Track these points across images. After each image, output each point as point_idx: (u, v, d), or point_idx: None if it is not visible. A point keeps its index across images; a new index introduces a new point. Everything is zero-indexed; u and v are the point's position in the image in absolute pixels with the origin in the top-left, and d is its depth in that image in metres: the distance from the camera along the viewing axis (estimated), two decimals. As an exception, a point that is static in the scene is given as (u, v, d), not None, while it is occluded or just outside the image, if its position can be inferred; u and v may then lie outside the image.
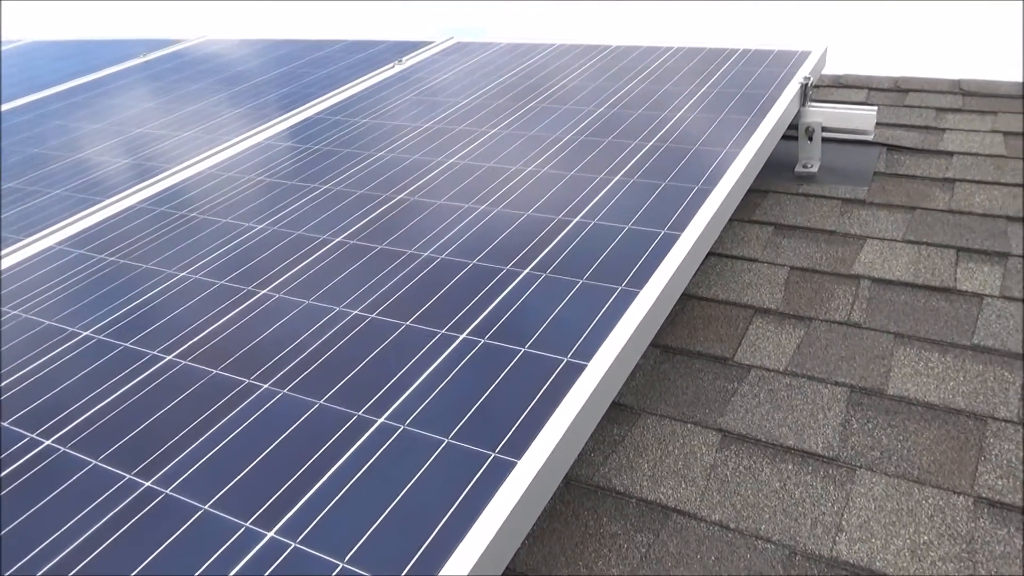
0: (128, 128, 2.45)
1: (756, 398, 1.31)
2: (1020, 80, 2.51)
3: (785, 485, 1.14)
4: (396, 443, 0.98)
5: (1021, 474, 1.11)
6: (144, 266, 1.53)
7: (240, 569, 0.83)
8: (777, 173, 2.11)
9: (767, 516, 1.09)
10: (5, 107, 2.96)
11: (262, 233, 1.59)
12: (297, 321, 1.27)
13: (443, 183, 1.71)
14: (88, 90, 3.02)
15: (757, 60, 2.25)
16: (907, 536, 1.04)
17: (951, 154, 2.10)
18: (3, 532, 0.94)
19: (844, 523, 1.07)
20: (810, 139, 2.08)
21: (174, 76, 3.02)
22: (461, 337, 1.17)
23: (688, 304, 1.59)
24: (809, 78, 2.02)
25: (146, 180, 1.99)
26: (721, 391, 1.34)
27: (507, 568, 1.06)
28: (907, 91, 2.58)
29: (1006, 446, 1.16)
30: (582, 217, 1.47)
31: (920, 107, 2.42)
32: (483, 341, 1.15)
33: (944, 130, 2.25)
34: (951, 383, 1.29)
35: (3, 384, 1.23)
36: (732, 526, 1.08)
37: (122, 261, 1.57)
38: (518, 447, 0.94)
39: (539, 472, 0.90)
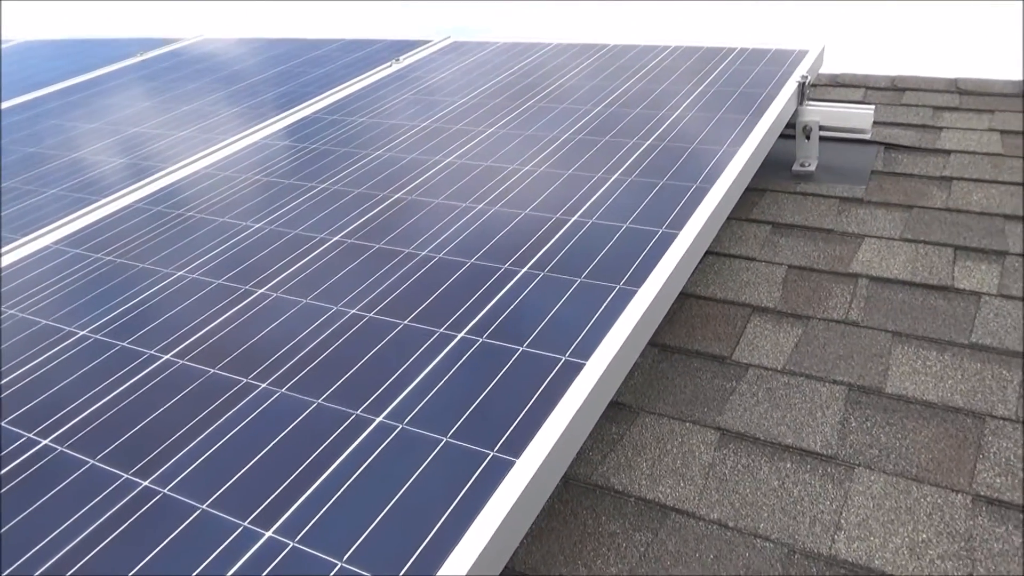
0: (125, 127, 2.45)
1: (754, 397, 1.31)
2: (1017, 79, 2.52)
3: (784, 484, 1.14)
4: (394, 442, 0.97)
5: (1019, 472, 1.11)
6: (141, 265, 1.53)
7: (238, 569, 0.83)
8: (775, 172, 2.11)
9: (766, 515, 1.09)
10: (2, 106, 2.95)
11: (259, 232, 1.59)
12: (295, 320, 1.27)
13: (440, 182, 1.70)
14: (84, 89, 3.01)
15: (754, 59, 2.25)
16: (906, 534, 1.04)
17: (948, 152, 2.10)
18: (1, 532, 0.93)
19: (843, 521, 1.07)
20: (807, 138, 2.08)
21: (171, 75, 3.02)
22: (459, 336, 1.17)
23: (686, 303, 1.59)
24: (806, 77, 2.02)
25: (143, 179, 1.98)
26: (719, 390, 1.34)
27: (506, 567, 1.06)
28: (904, 90, 2.58)
29: (1004, 444, 1.16)
30: (580, 216, 1.47)
31: (917, 106, 2.43)
32: (481, 340, 1.15)
33: (941, 129, 2.25)
34: (949, 381, 1.29)
35: (0, 384, 1.22)
36: (731, 525, 1.08)
37: (119, 260, 1.57)
38: (516, 446, 0.94)
39: (537, 471, 0.90)
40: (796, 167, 2.10)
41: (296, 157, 1.98)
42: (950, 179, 1.96)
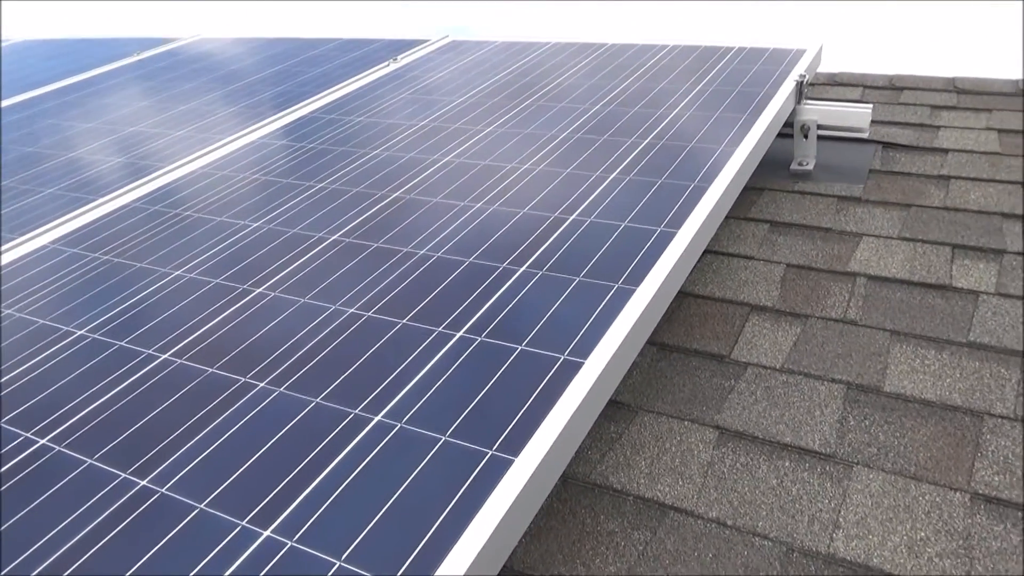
0: (122, 127, 2.44)
1: (753, 395, 1.31)
2: (1014, 78, 2.52)
3: (782, 482, 1.14)
4: (392, 441, 0.97)
5: (1017, 470, 1.11)
6: (138, 265, 1.53)
7: (236, 568, 0.83)
8: (773, 171, 2.11)
9: (764, 513, 1.09)
10: (1, 105, 2.95)
11: (257, 231, 1.59)
12: (293, 319, 1.26)
13: (438, 181, 1.70)
14: (81, 89, 3.00)
15: (752, 58, 2.25)
16: (904, 532, 1.04)
17: (946, 151, 2.10)
18: (-3, 532, 0.93)
19: (841, 519, 1.07)
20: (805, 137, 2.08)
21: (168, 75, 3.01)
22: (457, 335, 1.16)
23: (685, 302, 1.59)
24: (804, 76, 2.02)
25: (140, 179, 1.98)
26: (718, 388, 1.34)
27: (504, 566, 1.06)
28: (902, 89, 2.58)
29: (1002, 442, 1.16)
30: (578, 215, 1.47)
31: (915, 105, 2.43)
32: (480, 339, 1.15)
33: (939, 127, 2.25)
34: (947, 380, 1.29)
35: (-3, 384, 1.22)
36: (729, 523, 1.08)
37: (116, 260, 1.56)
38: (515, 445, 0.94)
39: (536, 470, 0.90)
40: (794, 166, 2.10)
41: (294, 156, 1.97)
42: (948, 178, 1.96)
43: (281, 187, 1.79)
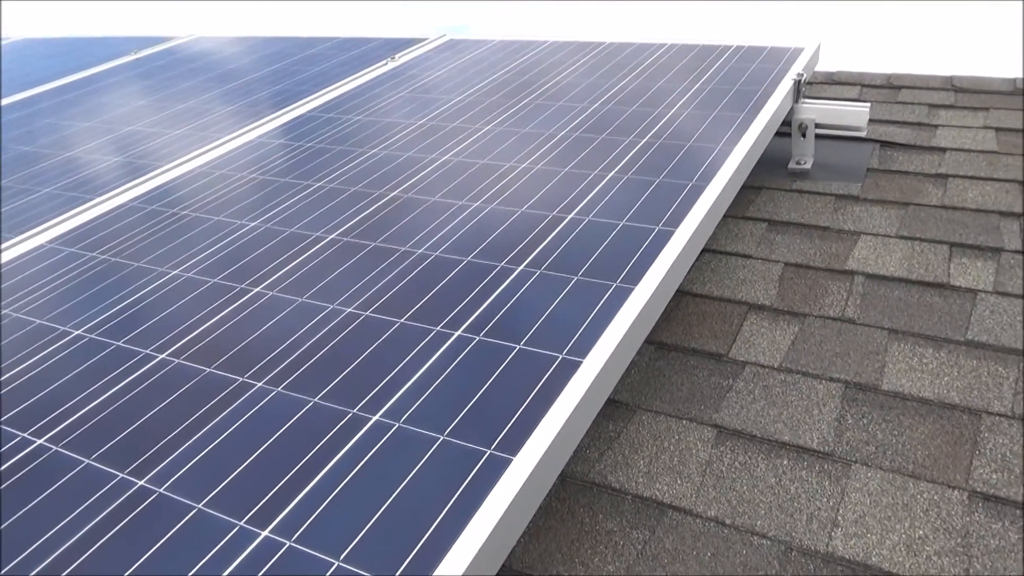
0: (119, 126, 2.44)
1: (751, 394, 1.31)
2: (1011, 77, 2.52)
3: (780, 480, 1.14)
4: (391, 441, 0.97)
5: (1015, 468, 1.11)
6: (136, 264, 1.52)
7: (234, 568, 0.83)
8: (771, 170, 2.11)
9: (763, 512, 1.09)
10: (1, 103, 2.94)
11: (255, 231, 1.59)
12: (290, 319, 1.26)
13: (436, 180, 1.70)
14: (79, 88, 3.00)
15: (750, 57, 2.25)
16: (902, 531, 1.04)
17: (944, 150, 2.10)
18: (-6, 533, 0.93)
19: (840, 518, 1.07)
20: (803, 135, 2.08)
21: (165, 74, 3.01)
22: (456, 335, 1.16)
23: (683, 300, 1.59)
24: (802, 75, 2.02)
25: (137, 178, 1.98)
26: (716, 387, 1.34)
27: (503, 566, 1.06)
28: (900, 88, 2.58)
29: (1000, 440, 1.16)
30: (576, 214, 1.47)
31: (913, 103, 2.43)
32: (478, 338, 1.15)
33: (937, 126, 2.25)
34: (945, 378, 1.29)
35: (-6, 384, 1.22)
36: (728, 522, 1.08)
37: (113, 259, 1.56)
38: (513, 444, 0.94)
39: (534, 469, 0.90)
40: (792, 165, 2.10)
41: (291, 155, 1.97)
42: (945, 176, 1.96)
43: (279, 186, 1.79)
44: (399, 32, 3.11)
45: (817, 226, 1.79)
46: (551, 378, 1.04)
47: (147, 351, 1.24)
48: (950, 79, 2.58)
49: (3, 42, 4.25)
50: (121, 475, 0.98)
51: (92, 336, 1.30)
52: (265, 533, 0.86)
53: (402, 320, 1.22)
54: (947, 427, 1.20)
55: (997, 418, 1.20)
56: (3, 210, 1.91)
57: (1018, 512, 1.05)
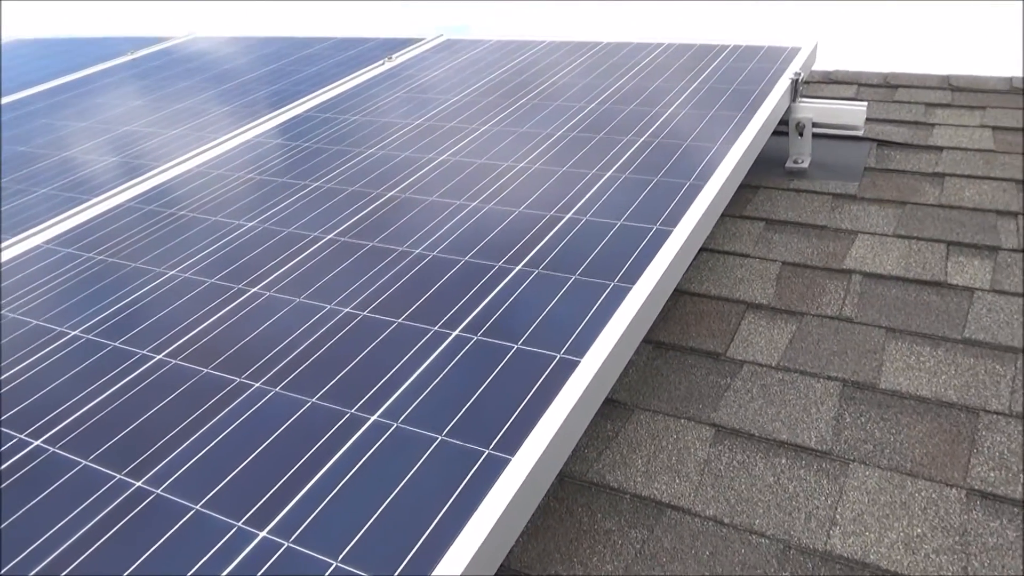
0: (115, 126, 2.44)
1: (749, 393, 1.31)
2: (1008, 76, 2.53)
3: (779, 479, 1.14)
4: (389, 441, 0.97)
5: (1013, 466, 1.12)
6: (133, 265, 1.52)
7: (232, 569, 0.83)
8: (768, 169, 2.12)
9: (761, 510, 1.09)
10: (1, 102, 2.94)
11: (252, 231, 1.58)
12: (288, 319, 1.26)
13: (434, 180, 1.70)
14: (75, 88, 2.99)
15: (747, 56, 2.25)
16: (900, 529, 1.04)
17: (941, 149, 2.11)
18: (-9, 534, 0.92)
19: (838, 516, 1.07)
20: (801, 135, 2.09)
21: (162, 74, 3.00)
22: (453, 334, 1.16)
23: (680, 300, 1.59)
24: (799, 74, 2.02)
25: (134, 178, 1.97)
26: (714, 386, 1.34)
27: (501, 566, 1.06)
28: (897, 87, 2.58)
29: (998, 438, 1.16)
30: (574, 213, 1.47)
31: (910, 102, 2.43)
32: (476, 338, 1.15)
33: (933, 125, 2.26)
34: (943, 376, 1.29)
35: (-10, 385, 1.21)
36: (726, 521, 1.08)
37: (110, 260, 1.56)
38: (512, 444, 0.94)
39: (533, 469, 0.90)
40: (789, 164, 2.10)
41: (289, 155, 1.97)
42: (943, 175, 1.96)
43: (276, 186, 1.78)
44: (398, 32, 3.10)
45: (814, 225, 1.79)
46: (549, 378, 1.04)
47: (144, 351, 1.23)
48: (947, 78, 2.58)
49: (1, 42, 4.24)
50: (119, 476, 0.98)
51: (89, 337, 1.30)
52: (263, 534, 0.86)
53: (400, 320, 1.21)
54: (945, 425, 1.20)
55: (995, 416, 1.21)
56: (1, 210, 1.90)
57: (1016, 510, 1.05)
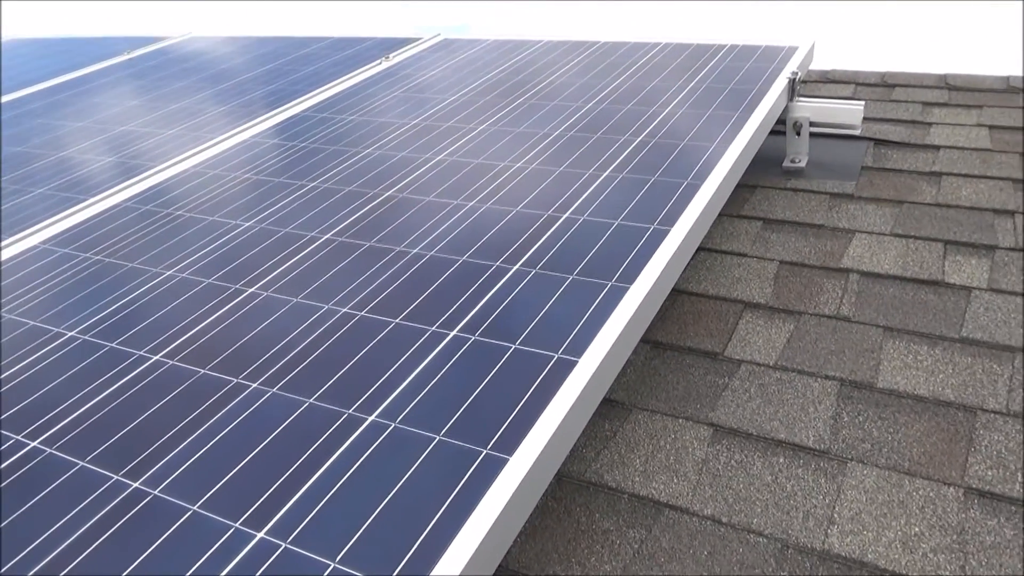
0: (112, 126, 2.43)
1: (747, 392, 1.31)
2: (1004, 75, 2.53)
3: (777, 479, 1.14)
4: (387, 441, 0.97)
5: (1011, 465, 1.12)
6: (130, 265, 1.52)
7: (230, 570, 0.82)
8: (765, 168, 2.12)
9: (759, 510, 1.09)
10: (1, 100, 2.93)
11: (249, 231, 1.58)
12: (285, 319, 1.26)
13: (431, 180, 1.70)
14: (71, 88, 2.98)
15: (745, 55, 2.25)
16: (898, 528, 1.04)
17: (938, 148, 2.11)
18: (-12, 536, 0.92)
19: (836, 516, 1.07)
20: (798, 134, 2.09)
21: (158, 74, 3.00)
22: (451, 334, 1.16)
23: (678, 299, 1.59)
24: (797, 73, 2.02)
25: (131, 178, 1.97)
26: (712, 386, 1.34)
27: (500, 566, 1.06)
28: (894, 86, 2.59)
29: (995, 437, 1.17)
30: (571, 213, 1.47)
31: (907, 102, 2.44)
32: (473, 338, 1.15)
33: (930, 124, 2.26)
34: (940, 375, 1.30)
35: (-13, 386, 1.21)
36: (724, 520, 1.08)
37: (107, 260, 1.55)
38: (510, 444, 0.94)
39: (531, 469, 0.90)
40: (787, 163, 2.10)
41: (285, 155, 1.97)
42: (940, 174, 1.97)
43: (273, 186, 1.78)
44: (397, 32, 3.10)
45: (812, 224, 1.80)
46: (547, 377, 1.04)
47: (141, 352, 1.23)
48: (944, 77, 2.59)
49: (0, 42, 4.23)
50: (116, 477, 0.98)
51: (86, 337, 1.30)
52: (261, 535, 0.86)
53: (397, 320, 1.21)
54: (942, 424, 1.20)
55: (992, 415, 1.21)
56: (1, 210, 1.90)
57: (1013, 509, 1.05)
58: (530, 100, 2.11)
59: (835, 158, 2.12)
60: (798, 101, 2.06)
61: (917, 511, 1.06)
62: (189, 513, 0.91)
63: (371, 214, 1.58)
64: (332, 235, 1.51)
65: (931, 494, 1.09)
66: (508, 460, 0.91)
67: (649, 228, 1.38)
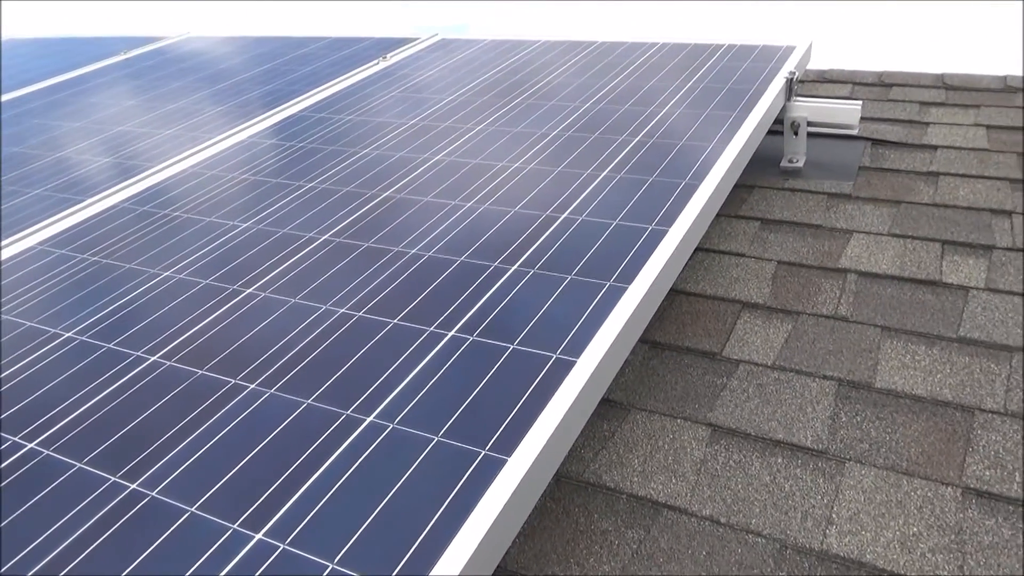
0: (110, 126, 2.43)
1: (745, 392, 1.31)
2: (1002, 74, 2.53)
3: (775, 479, 1.14)
4: (385, 442, 0.97)
5: (1008, 465, 1.12)
6: (127, 266, 1.52)
7: (228, 571, 0.82)
8: (763, 168, 2.12)
9: (757, 510, 1.09)
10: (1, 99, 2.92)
11: (247, 232, 1.58)
12: (283, 320, 1.26)
13: (429, 180, 1.70)
14: (69, 88, 2.98)
15: (742, 55, 2.25)
16: (896, 528, 1.04)
17: (935, 148, 2.11)
18: (-15, 537, 0.92)
19: (834, 516, 1.07)
20: (795, 134, 2.09)
21: (156, 74, 2.99)
22: (449, 335, 1.16)
23: (676, 299, 1.59)
24: (794, 73, 2.02)
25: (128, 179, 1.96)
26: (710, 386, 1.34)
27: (498, 567, 1.05)
28: (891, 85, 2.59)
29: (993, 437, 1.17)
30: (570, 213, 1.47)
31: (904, 101, 2.44)
32: (471, 339, 1.14)
33: (928, 124, 2.26)
34: (938, 375, 1.30)
35: (-16, 387, 1.21)
36: (723, 520, 1.08)
37: (105, 261, 1.55)
38: (508, 444, 0.93)
39: (529, 469, 0.90)
40: (784, 163, 2.11)
41: (283, 156, 1.96)
42: (937, 174, 1.97)
43: (271, 187, 1.78)
44: (395, 32, 3.10)
45: (810, 224, 1.80)
46: (545, 378, 1.04)
47: (139, 353, 1.23)
48: (941, 77, 2.59)
49: (0, 42, 4.22)
50: (113, 478, 0.98)
51: (83, 338, 1.29)
52: (259, 536, 0.86)
53: (395, 321, 1.21)
54: (940, 424, 1.20)
55: (990, 415, 1.21)
56: (1, 209, 1.90)
57: (1011, 508, 1.06)
58: (528, 100, 2.11)
59: (833, 158, 2.12)
60: (796, 101, 2.06)
61: (915, 511, 1.06)
62: (187, 514, 0.90)
63: (369, 214, 1.58)
64: (330, 235, 1.51)
65: (929, 494, 1.09)
66: (507, 461, 0.91)
67: (647, 228, 1.38)
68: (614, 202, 1.49)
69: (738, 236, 1.79)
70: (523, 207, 1.52)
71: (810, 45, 2.28)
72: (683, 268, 1.67)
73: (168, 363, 1.19)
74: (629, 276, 1.24)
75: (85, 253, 1.60)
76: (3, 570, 0.87)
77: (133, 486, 0.96)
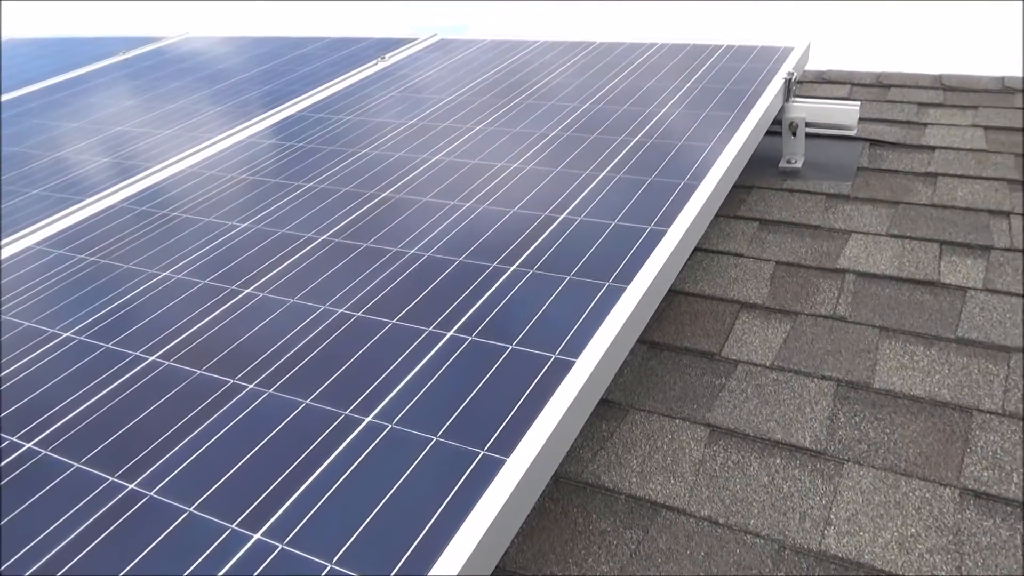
0: (108, 126, 2.42)
1: (743, 393, 1.31)
2: (1000, 75, 2.54)
3: (773, 479, 1.14)
4: (384, 442, 0.97)
5: (1006, 465, 1.12)
6: (126, 266, 1.51)
7: (226, 572, 0.82)
8: (761, 169, 2.12)
9: (756, 511, 1.09)
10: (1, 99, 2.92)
11: (245, 232, 1.58)
12: (282, 320, 1.26)
13: (428, 180, 1.70)
14: (67, 88, 2.98)
15: (741, 56, 2.25)
16: (895, 528, 1.04)
17: (933, 148, 2.11)
18: (-17, 537, 0.92)
19: (832, 516, 1.07)
20: (794, 134, 2.09)
21: (155, 74, 2.99)
22: (448, 335, 1.16)
23: (675, 300, 1.59)
24: (793, 73, 2.02)
25: (127, 179, 1.96)
26: (709, 386, 1.34)
27: (497, 566, 1.05)
28: (889, 86, 2.59)
29: (991, 438, 1.17)
30: (568, 213, 1.47)
31: (902, 102, 2.44)
32: (470, 339, 1.14)
33: (926, 125, 2.26)
34: (936, 376, 1.30)
35: (-18, 387, 1.21)
36: (721, 521, 1.08)
37: (103, 261, 1.55)
38: (507, 445, 0.93)
39: (528, 470, 0.90)
40: (783, 164, 2.11)
41: (282, 156, 1.96)
42: (935, 175, 1.97)
43: (269, 187, 1.78)
44: (394, 32, 3.10)
45: (808, 225, 1.80)
46: (544, 378, 1.04)
47: (137, 353, 1.23)
48: (939, 78, 2.59)
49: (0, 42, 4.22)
50: (111, 478, 0.98)
51: (82, 338, 1.29)
52: (257, 536, 0.86)
53: (394, 321, 1.21)
54: (938, 425, 1.21)
55: (988, 415, 1.21)
56: (1, 209, 1.89)
57: (1009, 509, 1.06)
58: (527, 100, 2.11)
59: (831, 159, 2.13)
60: (794, 102, 2.06)
61: (913, 512, 1.07)
62: (185, 514, 0.90)
63: (368, 214, 1.58)
64: (329, 236, 1.51)
65: (927, 495, 1.09)
66: (505, 461, 0.91)
67: (646, 229, 1.38)
68: (613, 202, 1.49)
69: (737, 236, 1.79)
70: (522, 207, 1.52)
71: (808, 46, 2.28)
72: (682, 268, 1.68)
73: (167, 363, 1.19)
74: (628, 276, 1.24)
75: (84, 253, 1.60)
76: (2, 569, 0.87)
77: (131, 486, 0.96)
